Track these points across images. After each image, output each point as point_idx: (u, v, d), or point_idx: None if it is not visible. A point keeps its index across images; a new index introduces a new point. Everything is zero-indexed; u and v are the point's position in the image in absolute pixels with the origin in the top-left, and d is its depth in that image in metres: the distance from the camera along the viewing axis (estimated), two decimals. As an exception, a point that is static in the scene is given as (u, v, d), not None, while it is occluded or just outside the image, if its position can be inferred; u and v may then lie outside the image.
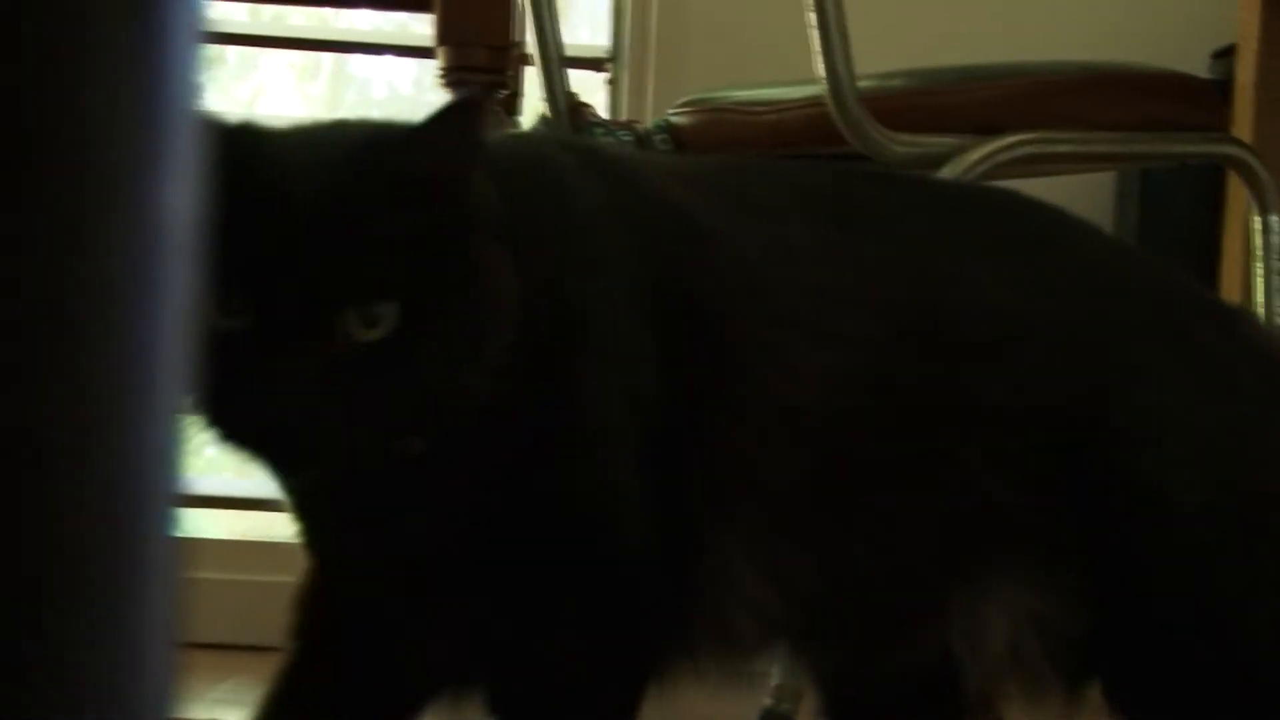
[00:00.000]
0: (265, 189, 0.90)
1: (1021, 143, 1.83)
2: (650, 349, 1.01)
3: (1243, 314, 1.26)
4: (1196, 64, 2.51)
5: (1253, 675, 1.07)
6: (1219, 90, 2.17)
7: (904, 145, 1.79)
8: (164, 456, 0.42)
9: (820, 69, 1.74)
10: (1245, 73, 2.36)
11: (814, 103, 1.81)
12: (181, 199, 0.41)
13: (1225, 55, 2.52)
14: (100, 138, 0.39)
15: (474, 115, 0.96)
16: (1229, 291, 2.40)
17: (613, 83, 2.81)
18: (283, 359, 0.89)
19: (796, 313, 1.04)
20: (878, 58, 1.87)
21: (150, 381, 0.41)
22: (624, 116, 2.62)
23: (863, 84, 1.76)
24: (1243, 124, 2.29)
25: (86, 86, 0.39)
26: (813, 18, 1.72)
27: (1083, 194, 2.71)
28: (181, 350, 0.42)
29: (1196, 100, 1.93)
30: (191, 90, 0.42)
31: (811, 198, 1.11)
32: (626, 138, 1.93)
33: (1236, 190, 2.37)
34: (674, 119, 1.99)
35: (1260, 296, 1.99)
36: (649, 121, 2.12)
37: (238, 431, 0.89)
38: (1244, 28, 2.36)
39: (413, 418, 0.94)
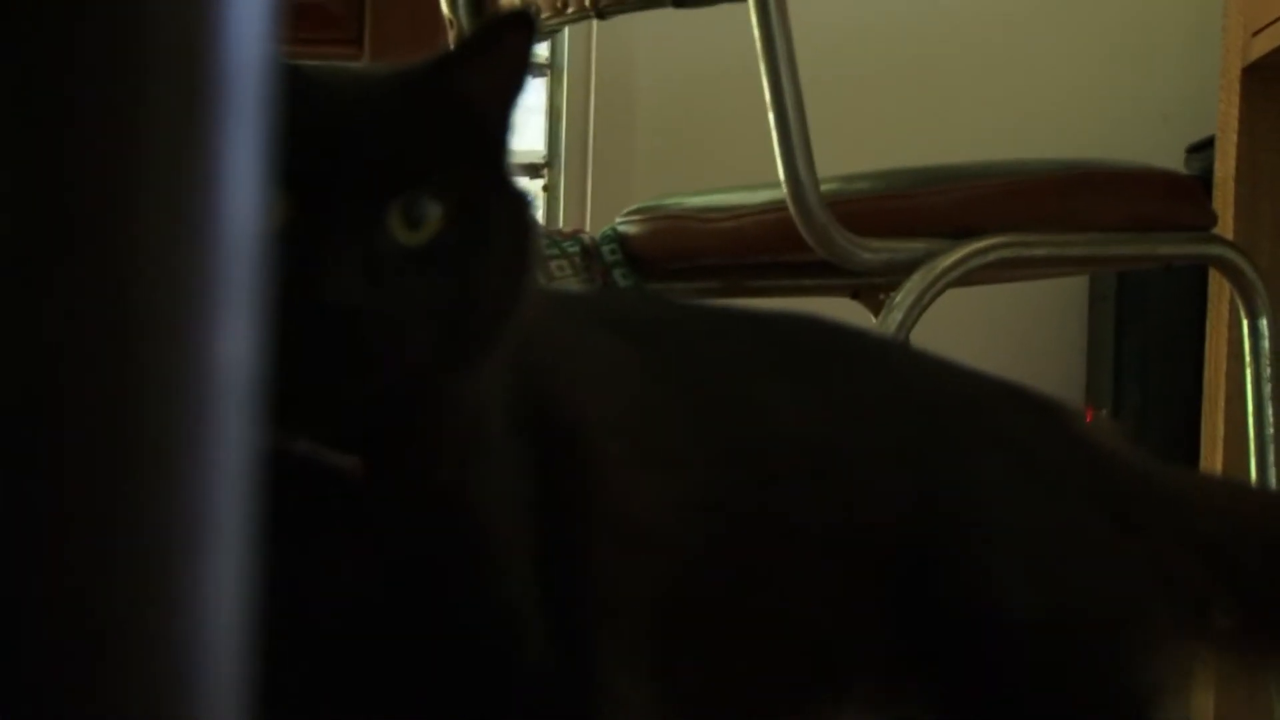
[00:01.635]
0: (308, 93, 0.91)
1: (997, 246, 1.76)
2: (527, 463, 1.01)
3: (1064, 408, 1.23)
4: (1172, 158, 2.47)
5: None
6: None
7: (872, 251, 1.73)
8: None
9: (780, 171, 1.67)
10: (1225, 166, 2.31)
11: (774, 208, 1.75)
12: (241, 340, 0.38)
13: (1202, 149, 2.47)
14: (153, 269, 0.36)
15: (524, 33, 0.95)
16: (1213, 396, 2.34)
17: (548, 189, 2.72)
18: (330, 252, 0.89)
19: (634, 435, 1.06)
20: (840, 159, 1.82)
21: (210, 534, 0.38)
22: (561, 225, 2.53)
23: (825, 187, 1.70)
24: (1223, 220, 2.23)
25: (139, 220, 0.36)
26: (771, 117, 1.66)
27: (1054, 297, 2.66)
28: (243, 492, 0.39)
29: (1184, 198, 1.86)
30: (254, 219, 0.38)
31: (625, 317, 1.14)
32: (573, 249, 1.87)
33: (1219, 291, 2.30)
34: (623, 228, 1.94)
35: (1250, 403, 1.93)
36: (594, 231, 2.04)
37: (288, 334, 0.82)
38: (1223, 119, 2.30)
39: (456, 333, 0.93)
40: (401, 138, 0.92)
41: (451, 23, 1.85)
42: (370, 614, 0.96)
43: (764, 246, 1.82)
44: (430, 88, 0.94)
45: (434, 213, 0.92)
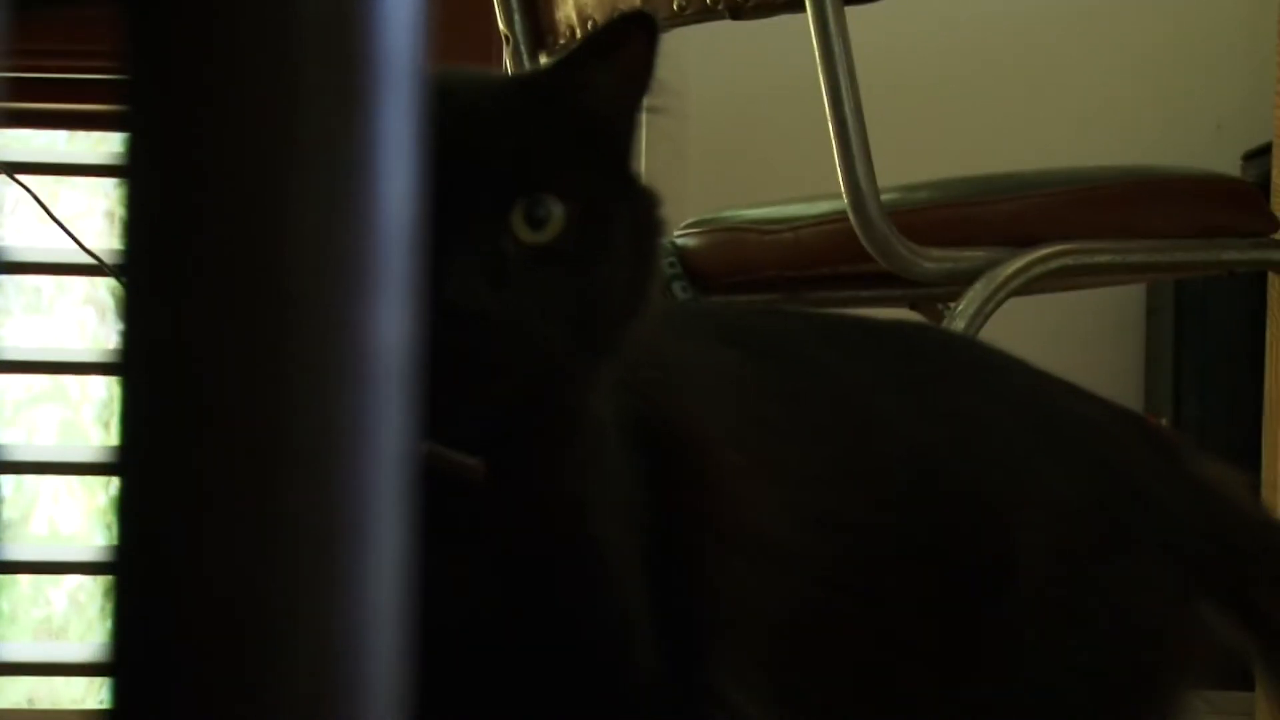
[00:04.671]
0: (431, 96, 0.88)
1: (1058, 254, 1.74)
2: (643, 474, 1.00)
3: (1182, 445, 1.22)
4: (1228, 165, 2.46)
5: None
6: (1253, 193, 2.10)
7: (934, 261, 1.71)
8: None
9: (841, 182, 1.67)
10: None
11: (834, 218, 1.74)
12: (396, 326, 0.38)
13: (1258, 156, 2.45)
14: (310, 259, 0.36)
15: (645, 34, 0.94)
16: (1274, 404, 2.32)
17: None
18: (452, 254, 0.88)
19: (752, 448, 1.05)
20: (898, 169, 1.80)
21: (370, 523, 0.37)
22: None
23: (885, 197, 1.69)
24: None
25: (296, 206, 0.35)
26: (831, 128, 1.65)
27: (1111, 307, 2.64)
28: (402, 481, 0.38)
29: (1245, 204, 1.84)
30: (407, 205, 0.38)
31: (737, 330, 1.13)
32: (634, 262, 1.83)
33: (1279, 297, 2.27)
34: (681, 241, 1.94)
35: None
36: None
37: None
38: (1280, 126, 2.27)
39: (579, 334, 0.92)
40: (523, 140, 0.92)
41: (507, 39, 1.85)
42: (485, 618, 0.95)
43: (824, 258, 1.81)
44: (551, 91, 0.94)
45: (556, 213, 0.91)
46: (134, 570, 0.35)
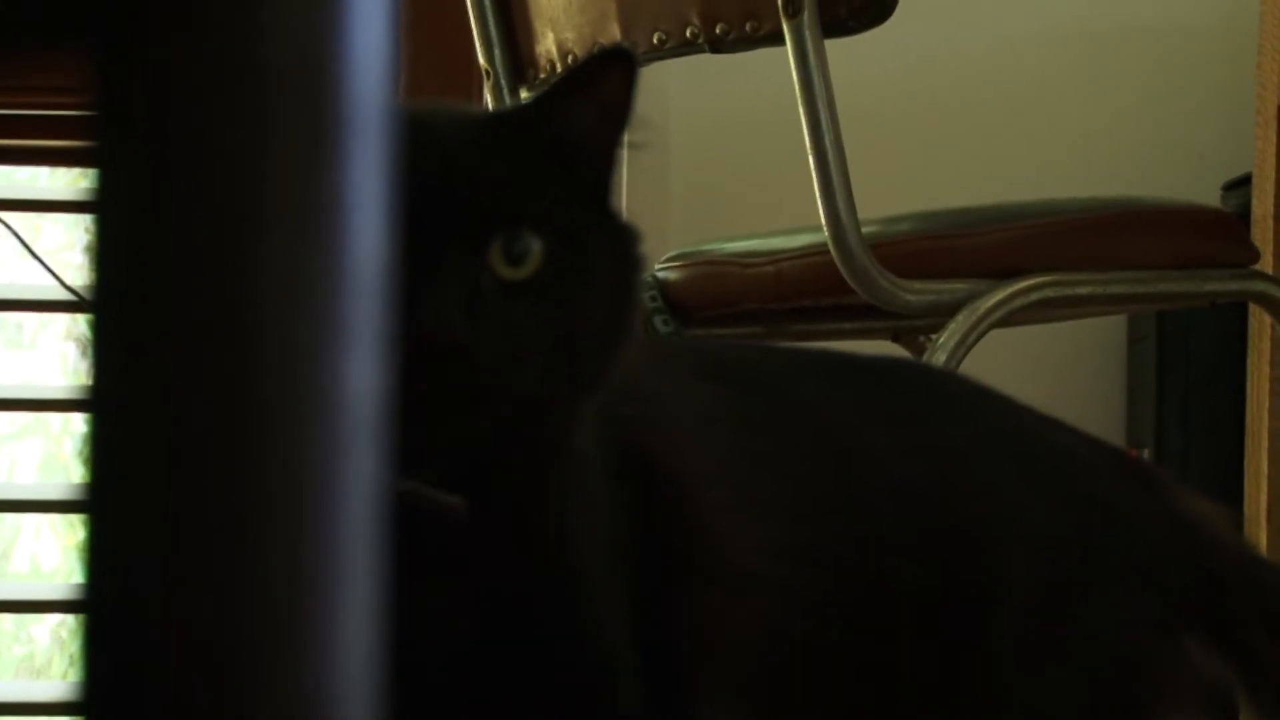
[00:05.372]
0: (407, 132, 0.88)
1: (1040, 285, 1.74)
2: (625, 508, 1.01)
3: (1164, 479, 1.21)
4: (1208, 196, 2.45)
5: None
6: (1233, 223, 2.10)
7: (915, 293, 1.71)
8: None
9: (821, 214, 1.66)
10: (1263, 204, 2.29)
11: (815, 251, 1.74)
12: (369, 370, 0.37)
13: (1238, 186, 2.45)
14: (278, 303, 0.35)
15: (622, 68, 0.94)
16: (1256, 434, 2.31)
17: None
18: (431, 290, 0.88)
19: (735, 482, 1.05)
20: (880, 201, 1.81)
21: (341, 571, 0.37)
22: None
23: (866, 229, 1.69)
24: (1263, 258, 2.14)
25: (266, 248, 0.35)
26: (811, 160, 1.66)
27: (1093, 338, 2.63)
28: (374, 527, 0.38)
29: (1227, 235, 1.84)
30: (379, 248, 0.37)
31: (719, 364, 1.13)
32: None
33: (1260, 328, 2.29)
34: (662, 274, 1.94)
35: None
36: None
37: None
38: (1261, 157, 2.29)
39: (559, 369, 0.92)
40: (501, 175, 0.92)
41: (488, 73, 1.85)
42: (466, 653, 0.95)
43: (805, 290, 1.81)
44: (530, 126, 0.95)
45: (535, 248, 0.91)
46: (104, 612, 0.35)
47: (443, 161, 0.91)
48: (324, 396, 0.35)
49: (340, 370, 0.36)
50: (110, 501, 0.35)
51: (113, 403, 0.35)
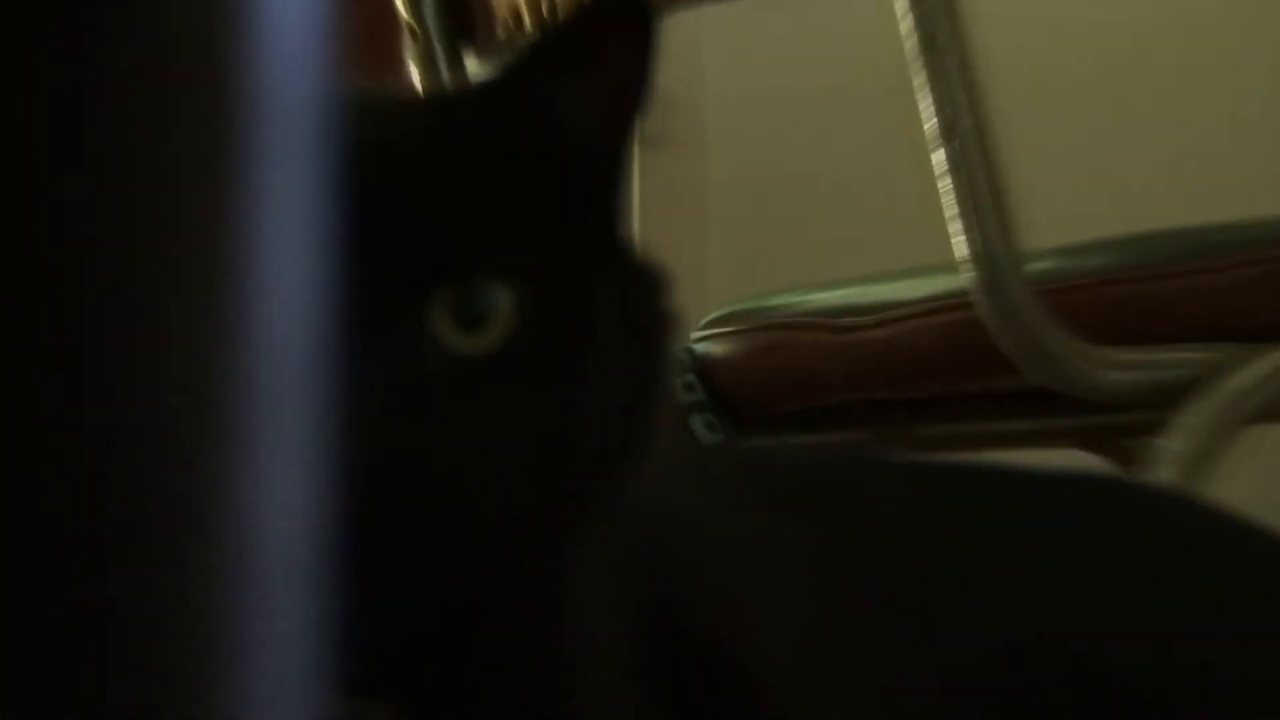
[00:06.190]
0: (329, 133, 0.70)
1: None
2: (655, 688, 0.86)
3: None
4: None
5: None
6: None
7: (1120, 368, 1.35)
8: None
9: (961, 247, 1.31)
10: None
11: (950, 303, 1.41)
12: (287, 494, 0.35)
13: None
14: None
15: (637, 28, 0.78)
16: None
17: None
18: (363, 369, 0.73)
19: (805, 654, 0.92)
20: (1040, 227, 1.43)
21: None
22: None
23: (1033, 267, 1.36)
24: None
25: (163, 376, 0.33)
26: (946, 163, 1.31)
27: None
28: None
29: None
30: (298, 344, 0.35)
31: (794, 489, 1.00)
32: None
33: None
34: (702, 348, 1.61)
35: None
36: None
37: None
38: None
39: (543, 492, 0.76)
40: (446, 195, 0.76)
41: (413, 31, 1.61)
42: None
43: (935, 368, 1.47)
44: (492, 117, 0.79)
45: (502, 304, 0.75)
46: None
47: (360, 178, 0.73)
48: (230, 539, 0.33)
49: (249, 495, 0.33)
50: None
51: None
